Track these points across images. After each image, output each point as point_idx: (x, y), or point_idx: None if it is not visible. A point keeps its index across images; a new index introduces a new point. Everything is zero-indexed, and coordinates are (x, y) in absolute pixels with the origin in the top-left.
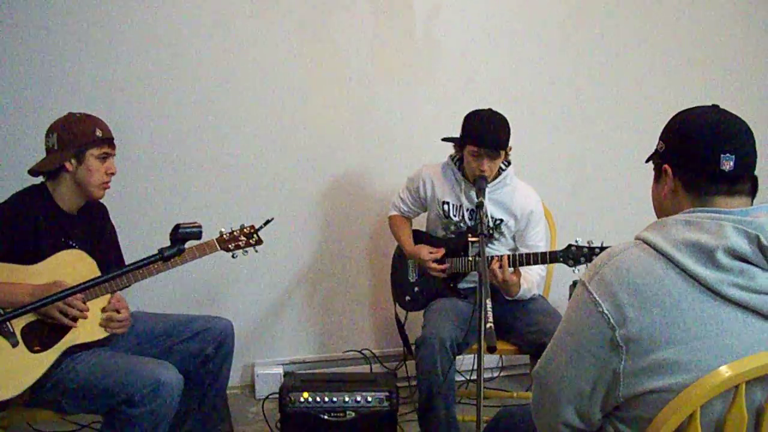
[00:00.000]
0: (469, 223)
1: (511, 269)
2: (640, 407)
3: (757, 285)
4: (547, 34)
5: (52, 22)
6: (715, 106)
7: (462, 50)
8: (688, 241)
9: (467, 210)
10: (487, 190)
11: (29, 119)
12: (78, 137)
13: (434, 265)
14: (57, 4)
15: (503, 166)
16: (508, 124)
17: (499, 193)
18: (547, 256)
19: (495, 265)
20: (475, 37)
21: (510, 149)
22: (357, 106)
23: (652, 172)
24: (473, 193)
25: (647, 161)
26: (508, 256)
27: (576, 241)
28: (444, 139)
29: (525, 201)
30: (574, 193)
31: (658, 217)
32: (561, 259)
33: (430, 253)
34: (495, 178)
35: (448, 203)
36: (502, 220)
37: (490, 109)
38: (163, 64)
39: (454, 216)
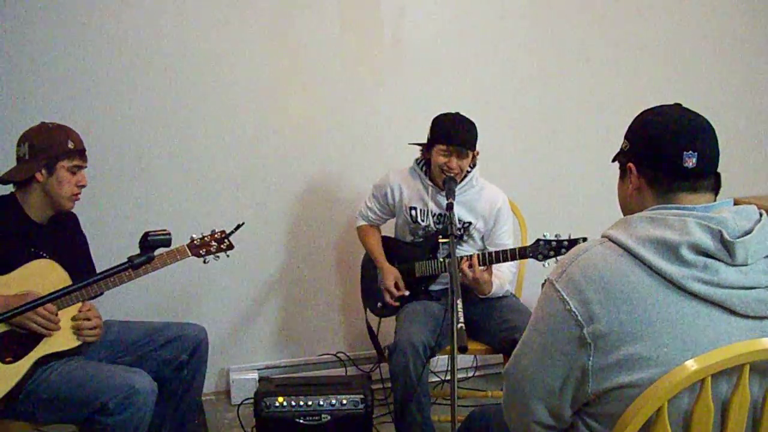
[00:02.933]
0: (436, 227)
1: (483, 267)
2: (610, 403)
3: (721, 279)
4: (514, 33)
5: (23, 31)
6: (677, 105)
7: (429, 52)
8: (653, 237)
9: (434, 215)
10: (455, 192)
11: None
12: (50, 148)
13: (389, 299)
14: (29, 13)
15: (469, 169)
16: (475, 125)
17: (466, 195)
18: (516, 252)
19: (464, 265)
20: (442, 39)
21: (477, 153)
22: (325, 111)
23: (618, 171)
24: (441, 197)
25: (613, 161)
26: (478, 254)
27: (544, 236)
28: (411, 144)
29: (492, 200)
30: (543, 191)
31: (624, 215)
32: (530, 255)
33: (396, 286)
34: (462, 180)
35: (415, 208)
36: (470, 223)
37: (457, 112)
38: (134, 72)
39: (422, 221)
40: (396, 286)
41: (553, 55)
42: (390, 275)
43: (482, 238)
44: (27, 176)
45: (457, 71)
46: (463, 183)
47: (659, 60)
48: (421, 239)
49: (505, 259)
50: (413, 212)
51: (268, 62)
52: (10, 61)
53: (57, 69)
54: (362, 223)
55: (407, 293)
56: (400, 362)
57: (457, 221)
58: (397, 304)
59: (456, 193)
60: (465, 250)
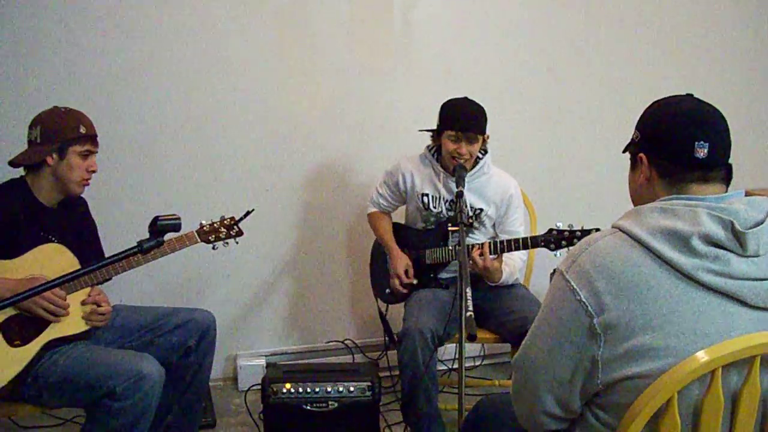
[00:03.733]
0: (448, 214)
1: (493, 256)
2: (619, 393)
3: (732, 270)
4: (525, 23)
5: (37, 17)
6: (689, 95)
7: (440, 40)
8: (664, 228)
9: (446, 201)
10: (467, 179)
11: (11, 110)
12: (62, 132)
13: (398, 285)
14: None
15: (480, 155)
16: (484, 110)
17: (478, 182)
18: (529, 241)
19: (475, 253)
20: (453, 27)
21: (487, 137)
22: (335, 97)
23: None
24: (452, 184)
25: (624, 151)
26: (489, 243)
27: (557, 225)
28: (421, 131)
29: (503, 186)
30: (554, 180)
31: (635, 205)
32: (542, 244)
33: (405, 273)
34: (473, 167)
35: (427, 195)
36: (482, 210)
37: (465, 97)
38: (144, 59)
39: (434, 208)
40: (406, 273)
41: (565, 45)
42: (401, 261)
43: (494, 226)
44: (38, 160)
45: (467, 59)
46: (475, 169)
47: (670, 51)
48: (433, 226)
49: (517, 248)
50: (425, 199)
51: (278, 49)
52: (24, 45)
53: (70, 54)
54: (373, 209)
55: (416, 282)
56: (408, 350)
57: (469, 208)
58: (406, 291)
59: (467, 180)
60: (476, 238)
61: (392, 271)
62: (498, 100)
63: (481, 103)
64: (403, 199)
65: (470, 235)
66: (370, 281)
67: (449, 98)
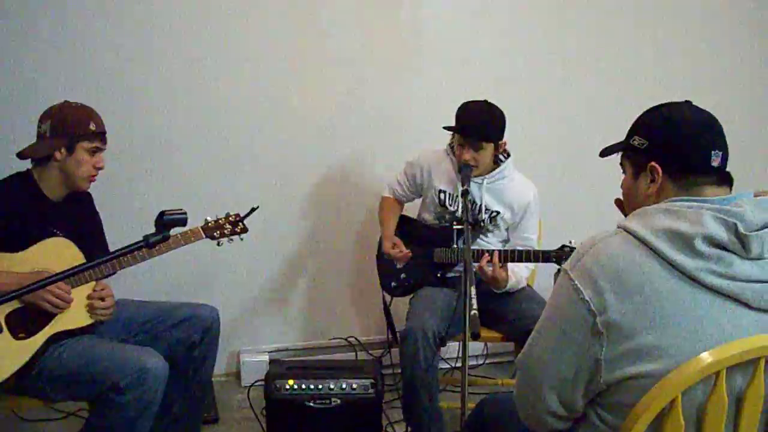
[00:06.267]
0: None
1: (500, 264)
2: (622, 393)
3: (735, 272)
4: (537, 17)
5: (49, 11)
6: (688, 102)
7: (448, 34)
8: (668, 228)
9: None
10: (485, 180)
11: (22, 103)
12: (71, 127)
13: (395, 253)
14: None
15: (502, 158)
16: (497, 117)
17: (498, 184)
18: (540, 255)
19: (484, 262)
20: (461, 21)
21: (504, 143)
22: (343, 93)
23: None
24: (472, 183)
25: (626, 159)
26: (499, 252)
27: (570, 242)
28: (445, 128)
29: (523, 193)
30: (560, 181)
31: (631, 212)
32: (553, 260)
33: (394, 248)
34: (494, 169)
35: (444, 192)
36: (498, 212)
37: (483, 101)
38: (151, 53)
39: (450, 206)
40: (394, 248)
41: (575, 43)
42: (388, 241)
43: (507, 229)
44: (46, 153)
45: (476, 55)
46: (495, 172)
47: (686, 50)
48: (447, 224)
49: (528, 260)
50: (442, 196)
51: (286, 43)
52: (37, 39)
53: (81, 48)
54: (388, 194)
55: (409, 252)
56: (410, 349)
57: (484, 212)
58: (408, 255)
59: (487, 182)
60: (489, 240)
61: (384, 245)
62: (507, 95)
63: (495, 103)
64: (418, 193)
65: (483, 237)
66: (377, 272)
67: (468, 100)
